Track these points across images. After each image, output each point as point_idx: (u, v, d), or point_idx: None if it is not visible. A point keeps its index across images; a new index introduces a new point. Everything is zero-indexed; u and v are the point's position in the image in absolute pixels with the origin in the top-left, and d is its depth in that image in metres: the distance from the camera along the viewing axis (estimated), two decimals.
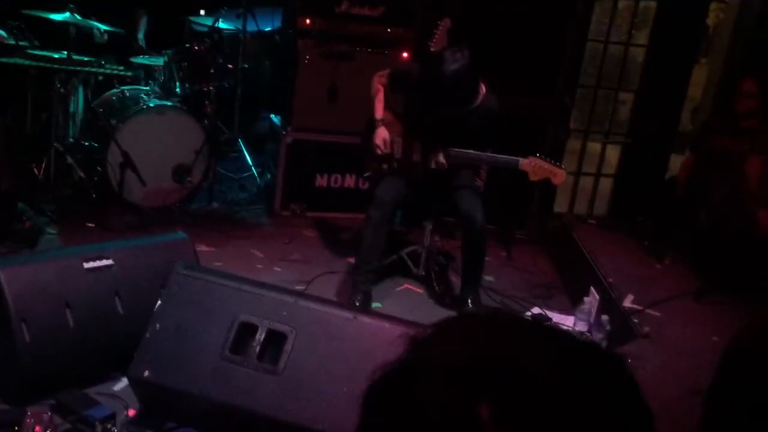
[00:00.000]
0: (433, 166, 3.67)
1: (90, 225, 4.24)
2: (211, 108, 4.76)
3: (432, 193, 3.87)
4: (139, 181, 4.36)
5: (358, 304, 3.63)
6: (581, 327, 3.56)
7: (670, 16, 5.21)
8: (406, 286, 4.09)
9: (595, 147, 5.65)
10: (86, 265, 2.78)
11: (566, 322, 3.68)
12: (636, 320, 3.34)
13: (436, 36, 4.20)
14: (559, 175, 3.54)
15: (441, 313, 3.76)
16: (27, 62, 4.21)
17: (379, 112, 3.85)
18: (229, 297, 2.65)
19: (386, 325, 2.55)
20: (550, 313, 3.78)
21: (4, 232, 3.75)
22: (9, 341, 2.57)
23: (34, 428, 2.46)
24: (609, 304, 3.54)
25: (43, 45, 4.57)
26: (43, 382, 2.65)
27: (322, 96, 4.74)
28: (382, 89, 3.86)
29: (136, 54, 4.89)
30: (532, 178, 3.58)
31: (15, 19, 4.64)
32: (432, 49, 4.05)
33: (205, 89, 4.69)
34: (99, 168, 4.39)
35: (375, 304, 3.77)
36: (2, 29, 4.53)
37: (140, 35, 5.19)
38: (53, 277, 2.69)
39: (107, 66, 4.53)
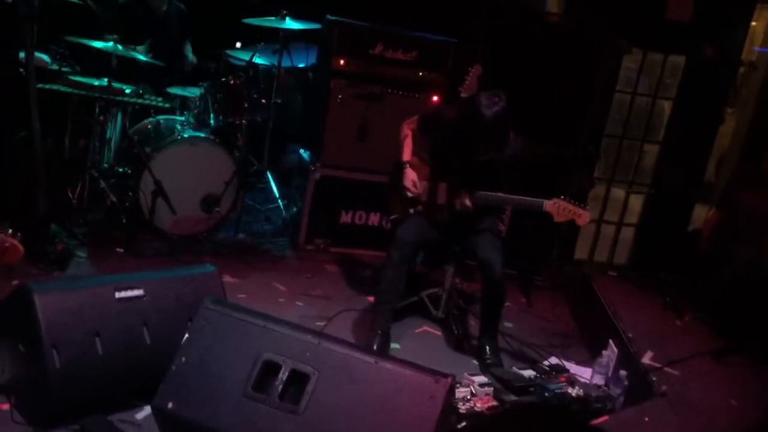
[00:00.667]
0: (458, 207, 3.73)
1: (119, 250, 4.33)
2: (242, 140, 4.87)
3: (454, 236, 3.92)
4: (169, 210, 4.46)
5: (376, 344, 3.67)
6: (599, 380, 3.56)
7: (699, 72, 5.28)
8: (425, 328, 4.12)
9: (618, 194, 5.69)
10: (117, 295, 2.85)
11: (584, 374, 3.69)
12: (654, 378, 3.34)
13: (467, 82, 4.29)
14: (584, 217, 3.57)
15: (458, 358, 3.81)
16: (69, 90, 4.35)
17: (407, 154, 3.93)
18: (255, 334, 2.71)
19: (407, 372, 2.59)
20: (567, 364, 3.79)
21: (36, 253, 3.84)
22: (39, 366, 2.64)
23: None
24: (628, 359, 3.55)
25: (85, 71, 4.72)
26: (70, 408, 2.71)
27: (351, 134, 4.84)
28: (410, 134, 3.95)
29: (174, 84, 5.02)
30: (557, 219, 3.60)
31: (58, 44, 4.80)
32: (462, 95, 4.13)
33: (238, 122, 4.81)
34: (131, 194, 4.50)
35: (393, 345, 3.81)
36: (46, 54, 4.69)
37: (188, 53, 5.31)
38: (85, 305, 2.76)
39: (146, 96, 4.66)
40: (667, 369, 3.47)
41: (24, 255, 2.40)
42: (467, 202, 3.69)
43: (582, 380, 3.60)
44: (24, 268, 3.58)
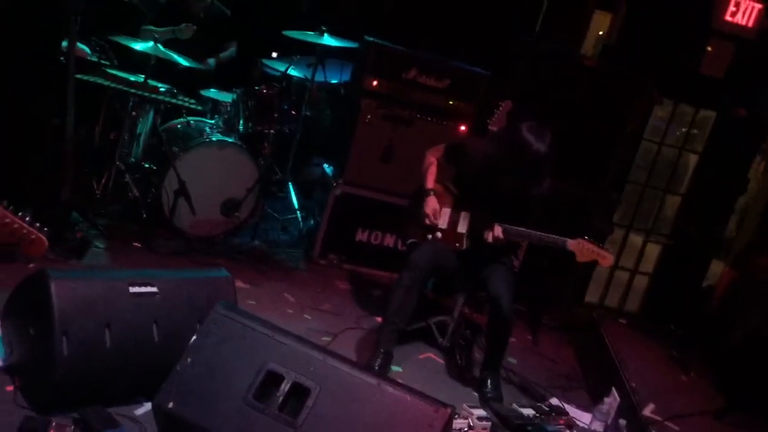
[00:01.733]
0: (490, 240, 3.67)
1: (136, 245, 4.38)
2: (268, 149, 4.92)
3: (468, 266, 3.92)
4: (190, 210, 4.51)
5: (377, 364, 3.67)
6: (597, 427, 3.54)
7: (728, 129, 5.28)
8: (429, 354, 4.12)
9: (636, 241, 5.67)
10: (132, 290, 2.89)
11: (583, 418, 3.67)
12: (654, 431, 3.32)
13: (497, 116, 4.32)
14: (608, 259, 3.56)
15: (459, 389, 3.81)
16: (106, 83, 4.43)
17: (431, 182, 3.95)
18: (262, 343, 2.73)
19: (408, 397, 2.60)
20: (567, 407, 3.77)
21: (56, 239, 3.89)
22: (47, 351, 2.67)
23: None
24: (629, 409, 3.53)
25: (122, 66, 4.81)
26: (72, 396, 2.74)
27: (376, 155, 4.88)
28: (435, 162, 3.97)
29: (207, 86, 5.09)
30: (579, 259, 3.60)
31: (99, 38, 4.90)
32: (490, 128, 4.16)
33: (266, 131, 4.87)
34: (154, 191, 4.56)
35: (395, 368, 3.81)
36: (87, 46, 4.79)
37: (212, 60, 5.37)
38: (99, 296, 2.80)
39: (179, 96, 4.73)
40: (667, 423, 3.45)
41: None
42: (500, 234, 3.65)
43: (581, 425, 3.58)
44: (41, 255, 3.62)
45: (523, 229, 3.65)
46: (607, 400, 3.62)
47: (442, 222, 3.91)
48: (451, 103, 4.92)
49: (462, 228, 3.86)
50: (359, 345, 3.99)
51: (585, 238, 3.56)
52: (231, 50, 5.37)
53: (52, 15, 3.84)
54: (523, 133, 3.51)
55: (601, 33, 5.49)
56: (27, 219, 2.40)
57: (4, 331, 2.93)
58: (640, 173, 5.52)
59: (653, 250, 5.68)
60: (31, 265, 3.57)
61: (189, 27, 4.98)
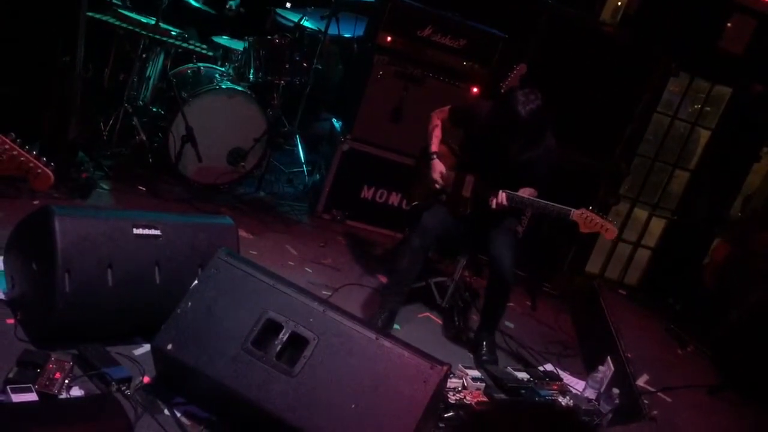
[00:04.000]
0: (493, 206, 3.64)
1: (141, 188, 4.37)
2: (277, 100, 4.87)
3: (472, 229, 3.91)
4: (196, 157, 4.49)
5: (381, 321, 3.69)
6: (590, 394, 3.57)
7: (743, 106, 5.22)
8: (427, 314, 4.14)
9: (640, 215, 5.65)
10: (135, 231, 2.89)
11: (576, 386, 3.70)
12: (646, 401, 3.35)
13: (510, 79, 4.27)
14: (612, 231, 3.53)
15: (455, 349, 3.84)
16: (117, 22, 4.37)
17: (435, 145, 3.90)
18: (262, 292, 2.74)
19: (405, 353, 2.62)
20: (562, 373, 3.80)
21: (61, 177, 3.89)
22: (49, 287, 2.68)
23: (54, 374, 2.58)
24: (622, 379, 3.55)
25: (135, 6, 4.74)
26: (72, 333, 2.77)
27: (386, 113, 4.83)
28: (440, 124, 3.92)
29: (220, 33, 5.03)
30: (582, 229, 3.57)
31: None
32: (502, 91, 4.11)
33: (276, 82, 4.81)
34: (161, 135, 4.54)
35: (395, 326, 3.83)
36: None
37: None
38: (102, 236, 2.80)
39: (190, 41, 4.67)
40: (660, 394, 3.47)
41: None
42: (504, 201, 3.61)
43: (574, 391, 3.62)
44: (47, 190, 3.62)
45: (527, 197, 3.62)
46: (601, 368, 3.65)
47: (448, 185, 3.89)
48: (465, 64, 4.85)
49: (466, 192, 3.83)
50: (359, 301, 4.01)
51: (590, 209, 3.54)
52: None
53: None
54: (511, 97, 3.47)
55: (620, 2, 5.39)
56: (34, 153, 2.39)
57: (7, 264, 2.94)
58: (650, 147, 5.47)
59: (658, 225, 5.67)
60: (36, 202, 3.57)
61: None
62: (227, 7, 4.91)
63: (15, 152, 2.34)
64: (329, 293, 3.93)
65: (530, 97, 3.43)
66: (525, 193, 3.63)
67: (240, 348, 2.64)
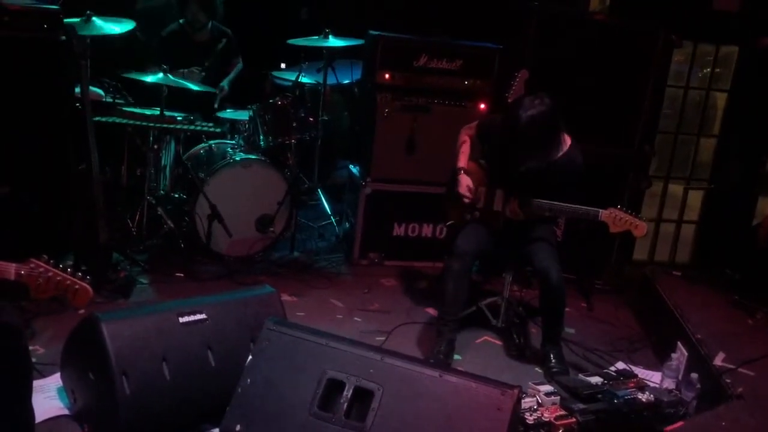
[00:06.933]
0: (507, 214, 3.69)
1: (179, 275, 4.41)
2: (292, 159, 4.91)
3: (510, 243, 3.86)
4: (225, 232, 4.53)
5: (441, 354, 3.64)
6: (669, 384, 3.46)
7: (754, 61, 5.12)
8: (485, 337, 4.08)
9: (676, 190, 5.53)
10: (181, 320, 2.90)
11: (653, 378, 3.59)
12: (728, 380, 3.22)
13: (514, 87, 4.25)
14: (641, 228, 3.47)
15: (521, 367, 3.76)
16: (125, 121, 4.47)
17: (462, 161, 3.89)
18: (317, 353, 2.72)
19: (472, 384, 2.56)
20: (635, 369, 3.70)
21: (100, 281, 3.94)
22: (109, 394, 2.69)
23: None
24: (699, 362, 3.44)
25: (137, 102, 4.85)
26: None
27: (400, 147, 4.84)
28: (468, 141, 3.92)
29: (223, 109, 5.10)
30: (612, 230, 3.52)
31: (110, 78, 4.93)
32: (509, 101, 4.09)
33: (287, 142, 4.85)
34: (187, 219, 4.59)
35: (455, 357, 3.77)
36: (99, 88, 4.83)
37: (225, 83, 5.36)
38: (151, 332, 2.82)
39: (197, 122, 4.75)
40: (741, 370, 3.34)
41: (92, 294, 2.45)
42: (516, 208, 3.63)
43: (652, 385, 3.50)
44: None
45: (552, 202, 3.58)
46: (674, 355, 3.54)
47: (479, 201, 3.86)
48: (466, 83, 4.85)
49: (498, 206, 3.80)
50: (415, 339, 3.96)
51: (618, 207, 3.48)
52: (238, 67, 5.37)
53: (61, 62, 3.86)
54: (517, 103, 3.46)
55: None
56: (69, 270, 2.42)
57: (65, 379, 2.97)
58: (669, 121, 5.38)
59: (696, 197, 5.54)
60: (81, 311, 3.61)
61: (192, 72, 5.01)
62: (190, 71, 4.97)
63: (50, 273, 2.36)
64: (383, 338, 3.89)
65: (535, 102, 3.42)
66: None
67: (308, 414, 2.61)
